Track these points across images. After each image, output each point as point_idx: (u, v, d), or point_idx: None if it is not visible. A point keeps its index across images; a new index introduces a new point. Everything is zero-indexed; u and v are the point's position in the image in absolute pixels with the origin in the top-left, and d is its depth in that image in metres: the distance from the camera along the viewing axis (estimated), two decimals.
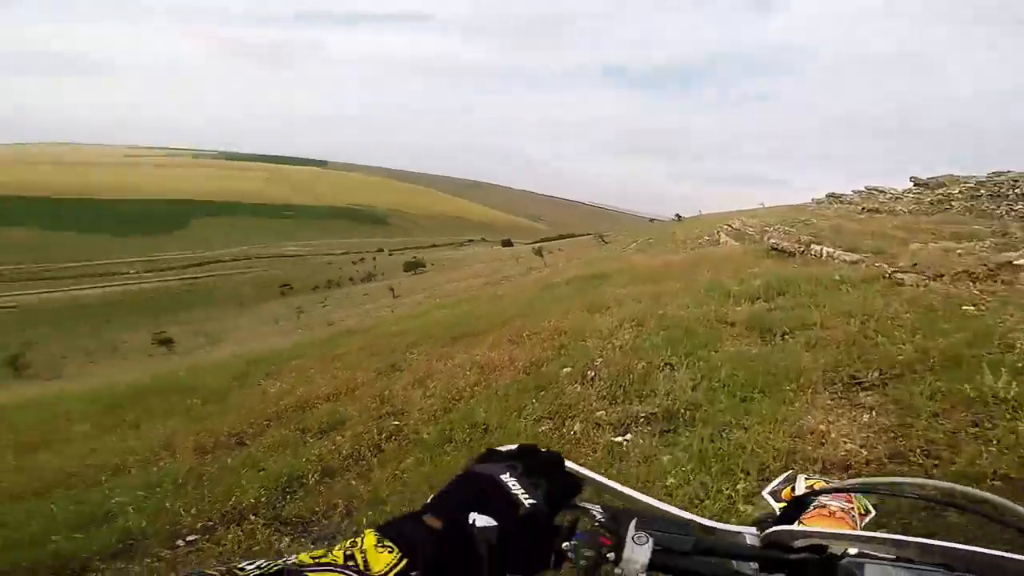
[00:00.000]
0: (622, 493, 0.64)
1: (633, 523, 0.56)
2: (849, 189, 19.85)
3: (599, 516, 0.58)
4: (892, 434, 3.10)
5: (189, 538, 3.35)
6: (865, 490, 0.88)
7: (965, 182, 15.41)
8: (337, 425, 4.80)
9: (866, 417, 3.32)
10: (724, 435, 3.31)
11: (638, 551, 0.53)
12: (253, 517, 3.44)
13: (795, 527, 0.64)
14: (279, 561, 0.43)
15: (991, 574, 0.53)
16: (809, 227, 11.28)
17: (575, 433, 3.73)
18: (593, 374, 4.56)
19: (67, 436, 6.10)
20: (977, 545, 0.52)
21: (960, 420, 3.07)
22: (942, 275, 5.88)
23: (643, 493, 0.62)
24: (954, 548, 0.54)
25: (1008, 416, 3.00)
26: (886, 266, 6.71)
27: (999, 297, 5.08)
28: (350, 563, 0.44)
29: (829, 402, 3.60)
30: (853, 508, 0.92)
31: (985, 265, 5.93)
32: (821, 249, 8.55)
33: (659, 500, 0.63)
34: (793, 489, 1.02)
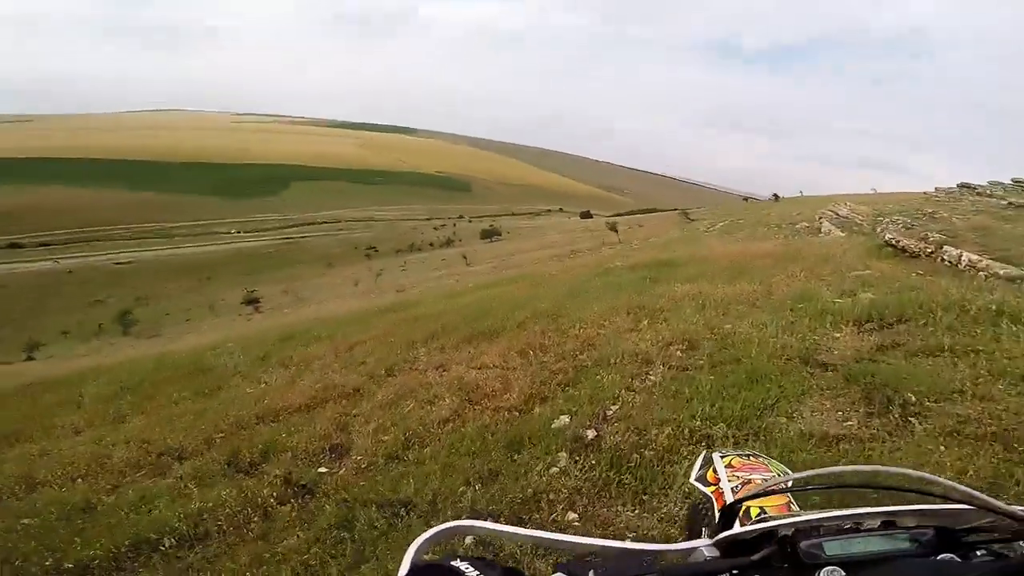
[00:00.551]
0: (579, 543, 0.63)
1: (592, 573, 0.55)
2: (984, 179, 16.71)
3: None
4: None
5: None
6: (796, 489, 0.84)
7: None
8: (263, 461, 3.78)
9: None
10: None
11: None
12: None
13: (744, 528, 0.67)
14: None
15: (931, 523, 0.60)
16: (939, 222, 8.81)
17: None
18: (594, 435, 3.14)
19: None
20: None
21: None
22: None
23: (586, 536, 0.65)
24: (896, 510, 0.61)
25: None
26: None
27: None
28: None
29: None
30: (771, 475, 0.97)
31: None
32: (959, 255, 6.37)
33: (606, 539, 0.62)
34: (714, 470, 1.04)
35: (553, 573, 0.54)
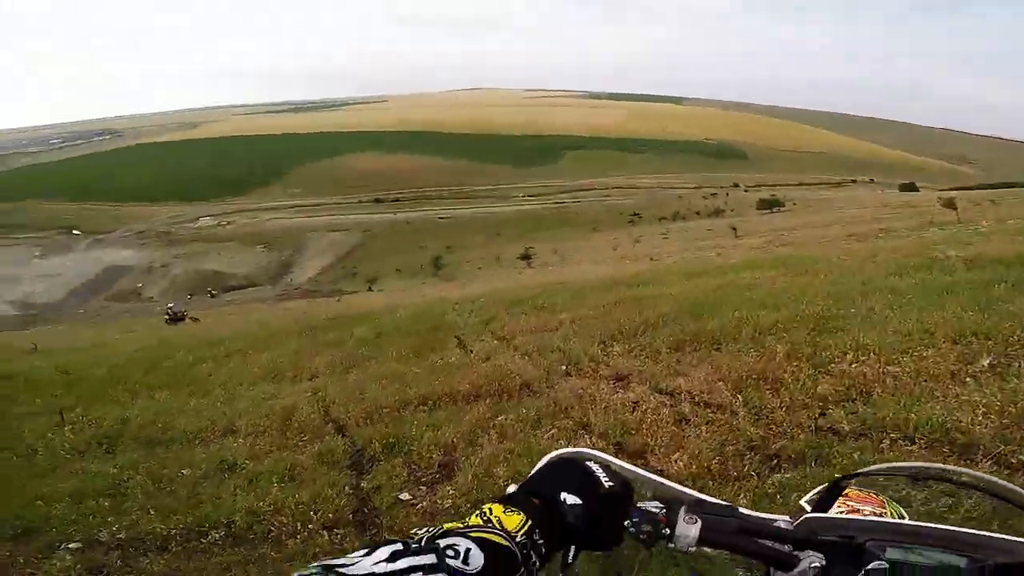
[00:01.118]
0: (672, 488, 0.68)
1: (683, 508, 0.63)
2: None
3: (655, 505, 0.64)
4: None
5: None
6: (892, 474, 0.91)
7: None
8: (383, 458, 3.38)
9: None
10: None
11: (690, 528, 0.60)
12: None
13: (826, 515, 0.74)
14: (440, 528, 0.52)
15: (1003, 558, 0.59)
16: None
17: None
18: None
19: None
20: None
21: None
22: None
23: (687, 487, 0.65)
24: (969, 533, 0.61)
25: None
26: None
27: None
28: (490, 525, 0.53)
29: None
30: (885, 513, 0.93)
31: None
32: None
33: (703, 494, 0.66)
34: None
35: (651, 500, 0.64)
